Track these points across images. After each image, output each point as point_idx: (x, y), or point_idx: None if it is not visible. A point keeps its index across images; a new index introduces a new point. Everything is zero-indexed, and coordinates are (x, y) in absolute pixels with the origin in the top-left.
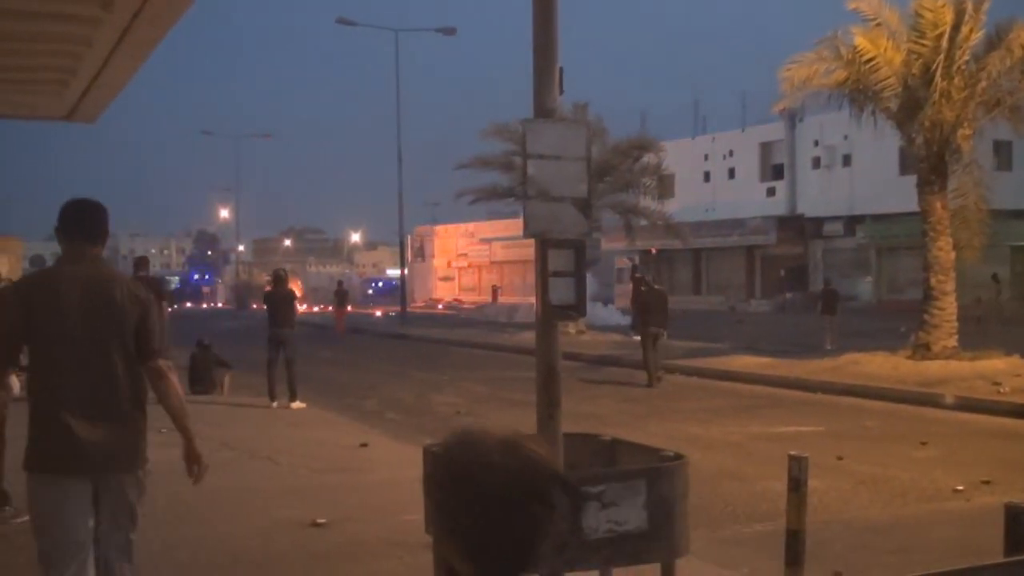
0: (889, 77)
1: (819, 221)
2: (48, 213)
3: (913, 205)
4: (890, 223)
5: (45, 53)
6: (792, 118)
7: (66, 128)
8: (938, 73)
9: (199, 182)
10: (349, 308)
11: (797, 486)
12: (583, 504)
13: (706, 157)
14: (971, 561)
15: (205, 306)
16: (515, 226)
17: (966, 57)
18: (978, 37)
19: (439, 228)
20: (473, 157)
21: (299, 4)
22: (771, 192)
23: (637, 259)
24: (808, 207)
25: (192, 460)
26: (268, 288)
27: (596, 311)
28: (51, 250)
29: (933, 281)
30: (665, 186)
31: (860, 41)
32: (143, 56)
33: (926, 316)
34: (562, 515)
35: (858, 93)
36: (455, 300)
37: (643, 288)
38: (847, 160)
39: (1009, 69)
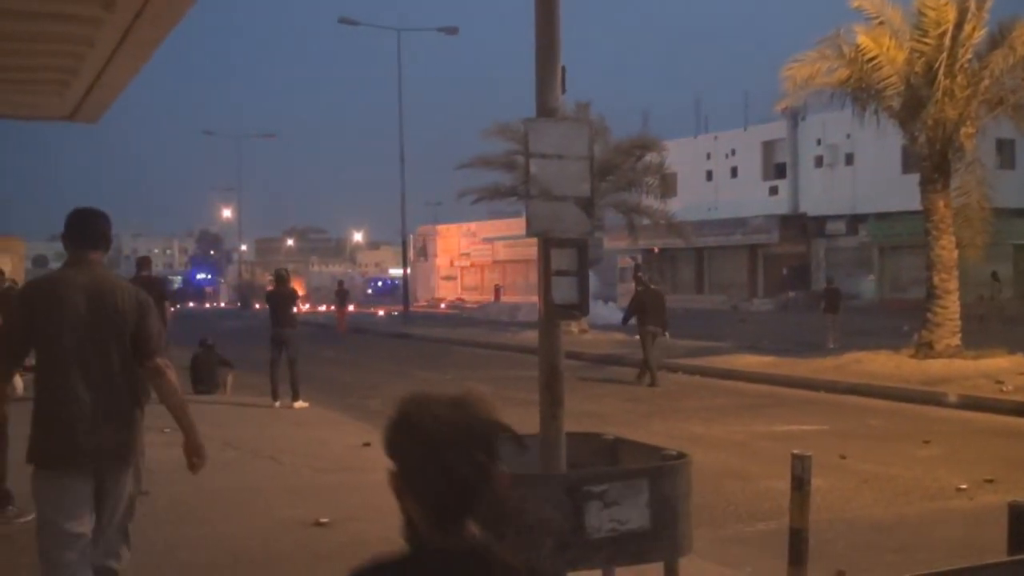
0: (892, 75)
1: (822, 220)
2: (50, 213)
3: (916, 204)
4: (893, 222)
5: (47, 53)
6: (794, 117)
7: (68, 128)
8: (941, 71)
9: (201, 182)
10: (352, 308)
11: (800, 485)
12: (585, 504)
13: (708, 156)
14: (974, 560)
15: (208, 306)
16: (517, 225)
17: (969, 55)
18: (981, 35)
19: (441, 227)
20: (475, 156)
21: (301, 4)
22: (774, 191)
23: (640, 258)
24: (811, 206)
25: (192, 453)
26: (270, 288)
27: (598, 310)
28: (54, 250)
29: (936, 280)
30: (667, 185)
31: (863, 39)
32: (145, 56)
33: (929, 315)
34: (505, 472)
35: (861, 91)
36: (457, 299)
37: (639, 288)
38: (850, 159)
39: (1012, 67)
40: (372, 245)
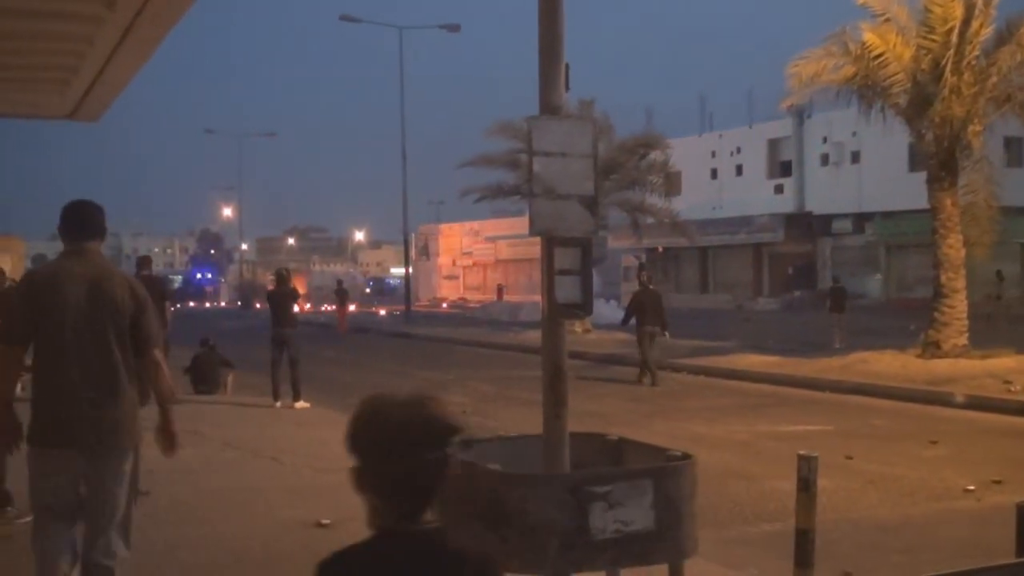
0: (898, 73)
1: (827, 218)
2: (51, 213)
3: (922, 202)
4: (899, 220)
5: (48, 52)
6: (800, 115)
7: (68, 127)
8: (948, 68)
9: (202, 181)
10: (353, 307)
11: (806, 486)
12: (589, 505)
13: (713, 154)
14: (982, 561)
15: (208, 305)
16: (520, 224)
17: (976, 52)
18: (988, 32)
19: (443, 226)
20: (478, 155)
21: (302, 1)
22: (779, 189)
23: (644, 257)
24: (816, 204)
25: (167, 436)
26: (271, 287)
27: (601, 309)
28: (53, 249)
29: (943, 279)
30: (672, 184)
31: (869, 36)
32: (145, 55)
33: (936, 314)
34: (454, 467)
35: (867, 89)
36: (460, 299)
37: (638, 287)
38: (856, 157)
39: (1019, 64)
40: (374, 244)
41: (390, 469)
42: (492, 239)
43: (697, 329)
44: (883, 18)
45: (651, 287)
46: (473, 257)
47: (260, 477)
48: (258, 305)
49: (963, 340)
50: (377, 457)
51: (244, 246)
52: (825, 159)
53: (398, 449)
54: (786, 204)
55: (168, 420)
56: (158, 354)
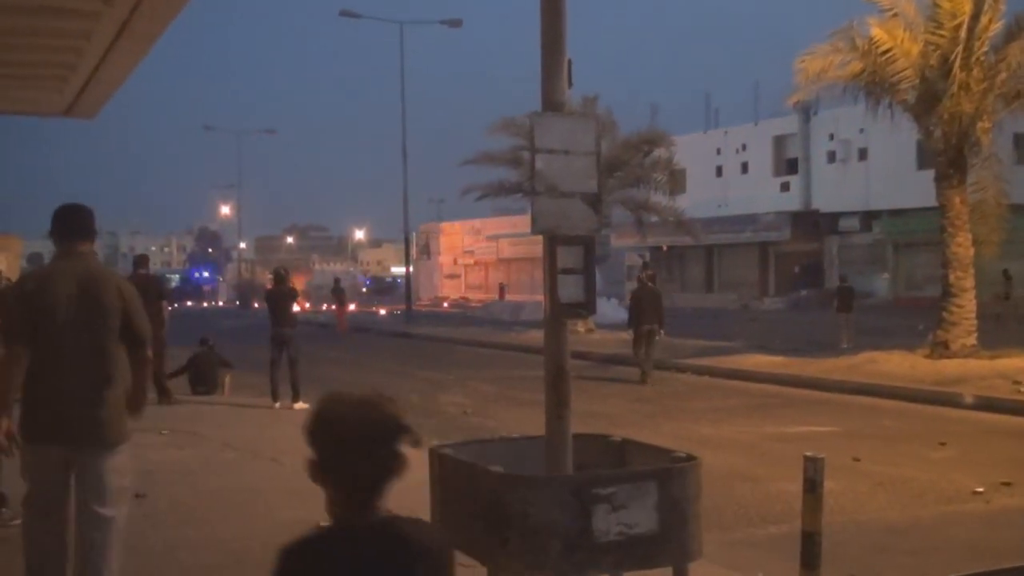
0: (906, 69)
1: (834, 217)
2: (48, 211)
3: (931, 200)
4: (907, 218)
5: (45, 48)
6: (806, 111)
7: (65, 125)
8: (956, 64)
9: (200, 179)
10: (353, 307)
11: (813, 487)
12: (592, 507)
13: (718, 151)
14: (991, 564)
15: (206, 305)
16: (522, 222)
17: (985, 48)
18: (997, 28)
19: (445, 225)
20: (480, 152)
21: None
22: (785, 187)
23: (648, 256)
24: (823, 202)
25: (134, 402)
26: (269, 286)
27: (604, 309)
28: (49, 248)
29: (952, 278)
30: (676, 181)
31: (876, 32)
32: (142, 51)
33: (944, 313)
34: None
35: (874, 85)
36: (461, 298)
37: (636, 286)
38: (863, 154)
39: None
40: (374, 243)
41: (344, 463)
42: (494, 238)
43: (702, 329)
44: (891, 13)
45: (650, 285)
46: (475, 256)
47: (260, 478)
48: (257, 304)
49: (972, 340)
50: (332, 451)
51: (243, 245)
52: (832, 156)
53: (351, 444)
54: (792, 202)
55: (139, 391)
56: (148, 352)
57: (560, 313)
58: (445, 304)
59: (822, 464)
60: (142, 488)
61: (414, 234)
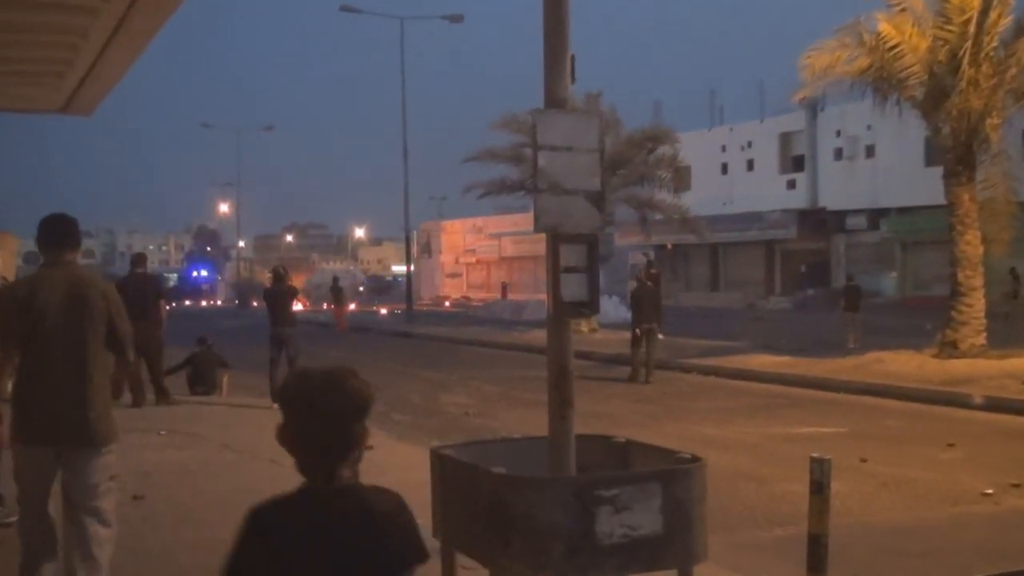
0: (914, 64)
1: (841, 214)
2: (45, 210)
3: (939, 198)
4: (915, 216)
5: (42, 44)
6: (813, 108)
7: (62, 123)
8: (965, 60)
9: (199, 176)
10: (354, 307)
11: (820, 489)
12: (595, 508)
13: (723, 148)
14: (1000, 567)
15: (205, 304)
16: (525, 221)
17: (994, 43)
18: (1007, 22)
19: (446, 223)
20: (481, 150)
21: None
22: (791, 185)
23: (652, 254)
24: (830, 200)
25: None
26: (268, 285)
27: (607, 308)
28: None
29: (960, 276)
30: (681, 179)
31: (884, 27)
32: (140, 47)
33: (953, 313)
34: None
35: (882, 81)
36: (463, 297)
37: (635, 284)
38: (870, 151)
39: None
40: (374, 241)
41: (309, 431)
42: (496, 236)
43: (707, 328)
44: (898, 8)
45: (649, 284)
46: (476, 254)
47: (259, 479)
48: (256, 304)
49: (981, 340)
50: (297, 421)
51: (242, 243)
52: (839, 153)
53: (317, 414)
54: (799, 200)
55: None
56: (131, 355)
57: (563, 312)
58: (447, 303)
59: (829, 465)
60: (140, 490)
61: (415, 232)
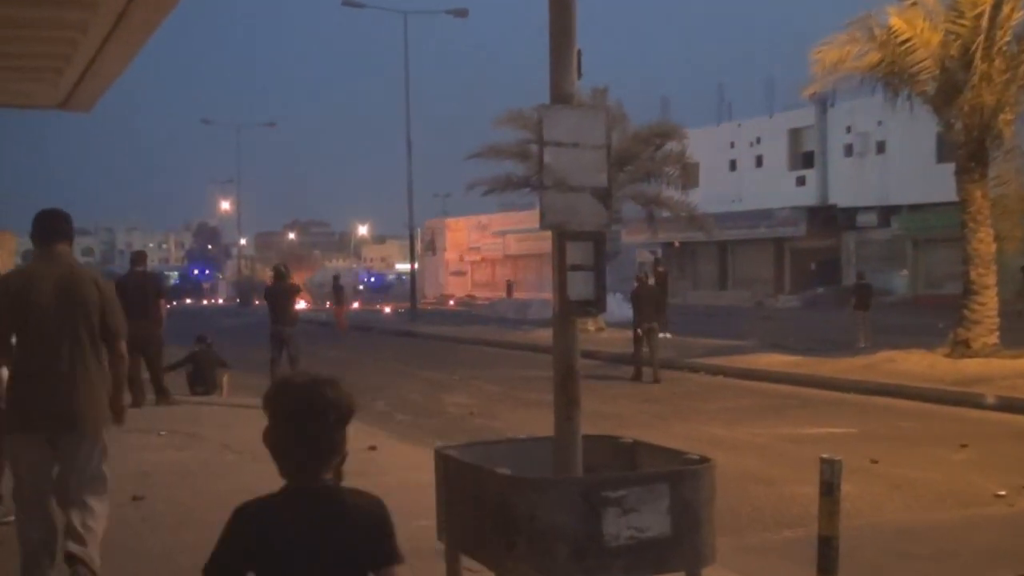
0: (926, 59)
1: (851, 212)
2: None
3: (951, 194)
4: (927, 213)
5: (41, 39)
6: (823, 103)
7: (60, 121)
8: (978, 55)
9: (199, 174)
10: (356, 305)
11: (830, 490)
12: (602, 510)
13: (732, 145)
14: (1014, 570)
15: (205, 303)
16: (530, 218)
17: (1007, 38)
18: (1020, 16)
19: (450, 221)
20: (486, 146)
21: None
22: (801, 181)
23: (659, 252)
24: (840, 197)
25: (115, 409)
26: (269, 283)
27: (613, 306)
28: None
29: (973, 274)
30: (689, 175)
31: (895, 21)
32: (139, 42)
33: (965, 311)
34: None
35: (893, 76)
36: (467, 296)
37: (636, 283)
38: (881, 147)
39: None
40: (377, 239)
41: (291, 435)
42: (501, 234)
43: (715, 327)
44: (910, 2)
45: (649, 283)
46: (481, 252)
47: (260, 480)
48: (258, 302)
49: (994, 339)
50: (279, 425)
51: (243, 241)
52: (849, 150)
53: (298, 420)
54: (808, 197)
55: (118, 394)
56: (123, 346)
57: (569, 311)
58: (451, 302)
59: (839, 466)
60: (140, 490)
61: (419, 230)
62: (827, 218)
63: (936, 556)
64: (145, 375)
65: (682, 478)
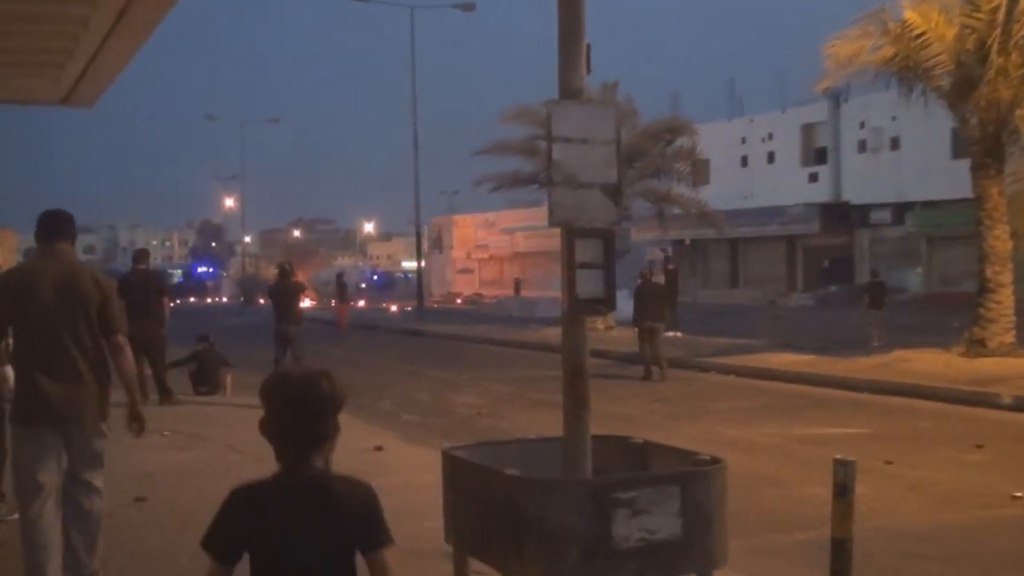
0: (940, 53)
1: (865, 209)
2: (44, 205)
3: (966, 191)
4: (942, 210)
5: (42, 34)
6: (836, 98)
7: (62, 118)
8: (994, 49)
9: (203, 170)
10: (363, 303)
11: (844, 492)
12: (612, 512)
13: (743, 140)
14: None
15: (209, 301)
16: (539, 215)
17: None
18: None
19: (458, 218)
20: (494, 142)
21: None
22: (813, 178)
23: (669, 250)
24: (853, 194)
25: (133, 419)
26: (272, 282)
27: (622, 304)
28: None
29: (989, 272)
30: (699, 172)
31: (909, 15)
32: (142, 37)
33: (981, 310)
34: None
35: (907, 71)
36: (475, 294)
37: (640, 279)
38: (895, 143)
39: None
40: (384, 236)
41: (285, 424)
42: (509, 231)
43: (726, 326)
44: None
45: (653, 281)
46: (489, 250)
47: None
48: (262, 301)
49: (1010, 338)
50: (274, 414)
51: (247, 238)
52: (862, 145)
53: (292, 410)
54: (821, 193)
55: (133, 398)
56: (122, 339)
57: (578, 309)
58: (458, 300)
59: (853, 468)
60: (143, 491)
61: (426, 227)
62: (840, 215)
63: (952, 559)
64: (147, 371)
65: (693, 479)
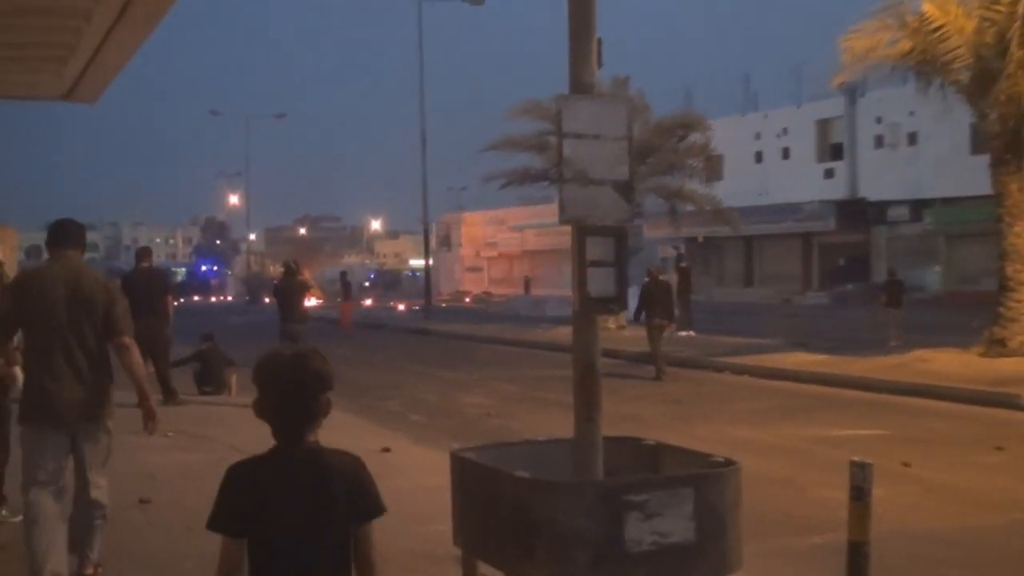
0: (959, 47)
1: (882, 205)
2: (46, 203)
3: (986, 187)
4: (960, 207)
5: (43, 29)
6: (852, 93)
7: (64, 116)
8: (1014, 42)
9: (207, 167)
10: (369, 302)
11: (860, 495)
12: (623, 514)
13: (758, 136)
14: None
15: (213, 300)
16: (549, 212)
17: None
18: None
19: (466, 215)
20: (503, 138)
21: None
22: (829, 174)
23: (682, 247)
24: (870, 190)
25: (149, 417)
26: (277, 280)
27: (634, 303)
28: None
29: (1009, 270)
30: (713, 168)
31: (927, 7)
32: (144, 32)
33: (1001, 309)
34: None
35: (925, 65)
36: (484, 292)
37: (647, 277)
38: (913, 138)
39: None
40: (391, 234)
41: (278, 402)
42: (518, 228)
43: (740, 325)
44: None
45: (660, 279)
46: (498, 248)
47: None
48: (267, 300)
49: None
50: (266, 393)
51: (252, 236)
52: (879, 141)
53: (285, 388)
54: (837, 190)
55: (144, 396)
56: (129, 340)
57: (590, 308)
58: (467, 299)
59: (870, 470)
60: (146, 493)
61: (434, 225)
62: (856, 212)
63: (970, 563)
64: (150, 370)
65: (707, 482)
